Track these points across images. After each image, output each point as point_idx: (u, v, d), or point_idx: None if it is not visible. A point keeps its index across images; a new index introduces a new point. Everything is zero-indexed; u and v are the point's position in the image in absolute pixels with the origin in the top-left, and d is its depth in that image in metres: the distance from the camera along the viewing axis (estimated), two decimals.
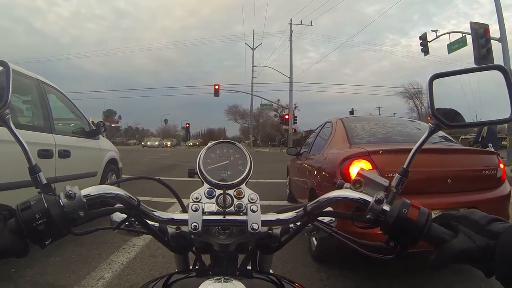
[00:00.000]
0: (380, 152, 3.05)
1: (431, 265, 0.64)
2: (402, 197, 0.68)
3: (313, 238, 3.55)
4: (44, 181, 0.68)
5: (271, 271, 0.93)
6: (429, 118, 0.72)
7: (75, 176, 4.48)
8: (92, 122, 5.43)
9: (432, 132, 0.72)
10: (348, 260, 3.36)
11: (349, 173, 3.03)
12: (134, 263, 3.42)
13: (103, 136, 5.85)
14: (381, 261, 0.70)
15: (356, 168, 2.99)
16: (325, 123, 4.90)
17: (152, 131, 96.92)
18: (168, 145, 58.44)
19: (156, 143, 56.72)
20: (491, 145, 7.75)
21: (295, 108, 44.56)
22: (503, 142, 18.26)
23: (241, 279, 0.66)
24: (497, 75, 0.70)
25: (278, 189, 7.80)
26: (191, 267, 0.92)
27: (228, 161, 0.83)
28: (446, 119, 0.70)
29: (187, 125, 62.73)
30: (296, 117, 39.85)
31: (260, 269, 0.91)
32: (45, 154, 3.77)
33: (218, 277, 0.66)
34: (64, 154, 4.20)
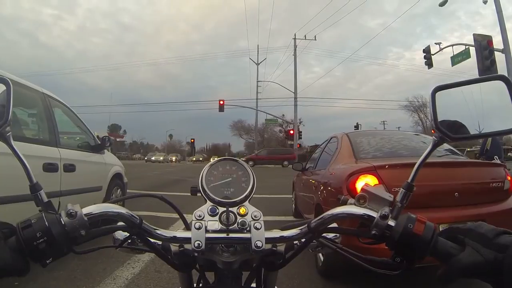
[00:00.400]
0: (386, 166, 3.03)
1: (438, 280, 0.63)
2: (408, 212, 0.68)
3: (320, 254, 3.51)
4: (46, 199, 0.68)
5: None
6: (432, 131, 0.71)
7: (80, 190, 4.49)
8: (97, 137, 5.46)
9: (436, 145, 0.71)
10: (355, 276, 3.32)
11: (355, 188, 3.01)
12: (139, 279, 3.40)
13: (108, 151, 5.87)
14: (387, 276, 0.69)
15: (362, 183, 2.97)
16: (331, 138, 4.91)
17: (157, 146, 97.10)
18: (173, 160, 58.44)
19: (161, 158, 56.82)
20: (497, 157, 7.68)
21: (300, 123, 44.53)
22: (508, 154, 18.15)
23: None
24: (500, 85, 0.69)
25: (284, 205, 7.77)
26: (195, 285, 0.91)
27: (231, 178, 0.82)
28: (451, 132, 0.70)
29: (192, 140, 62.92)
30: (301, 132, 39.75)
31: (265, 286, 0.90)
32: (50, 168, 3.77)
33: None
34: (70, 168, 4.21)
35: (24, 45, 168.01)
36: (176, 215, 0.90)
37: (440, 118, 0.70)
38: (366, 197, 0.72)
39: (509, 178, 3.29)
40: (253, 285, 0.87)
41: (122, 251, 0.82)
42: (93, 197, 4.76)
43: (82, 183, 4.57)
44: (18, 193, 2.99)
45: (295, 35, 38.92)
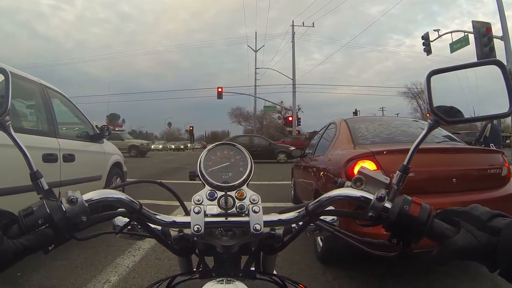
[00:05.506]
0: (385, 152, 3.04)
1: (433, 260, 0.64)
2: (404, 194, 0.68)
3: (319, 239, 3.55)
4: (46, 187, 0.69)
5: (275, 272, 0.93)
6: (427, 115, 0.72)
7: (80, 180, 4.51)
8: (96, 126, 5.45)
9: (431, 128, 0.72)
10: (355, 261, 3.35)
11: (354, 174, 3.00)
12: (140, 266, 3.43)
13: (107, 140, 5.87)
14: (384, 258, 0.70)
15: None
16: (329, 124, 4.90)
17: (156, 134, 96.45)
18: (173, 147, 57.81)
19: (160, 146, 56.24)
20: (492, 145, 7.69)
21: (298, 110, 44.46)
22: (507, 141, 18.15)
23: (244, 280, 0.66)
24: (495, 70, 0.69)
25: (283, 191, 7.81)
26: (194, 269, 0.92)
27: (228, 163, 0.83)
28: (446, 117, 0.70)
29: (191, 128, 62.55)
30: (299, 118, 39.71)
31: (264, 270, 0.91)
32: (49, 158, 3.78)
33: (221, 279, 0.66)
34: (69, 158, 4.22)
35: (23, 36, 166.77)
36: (177, 203, 0.91)
37: (436, 104, 0.71)
38: (363, 180, 0.73)
39: (506, 164, 3.31)
40: (252, 268, 0.88)
41: (122, 237, 0.83)
42: (93, 187, 4.71)
43: (81, 173, 4.59)
44: (19, 184, 3.01)
45: (293, 22, 38.63)
